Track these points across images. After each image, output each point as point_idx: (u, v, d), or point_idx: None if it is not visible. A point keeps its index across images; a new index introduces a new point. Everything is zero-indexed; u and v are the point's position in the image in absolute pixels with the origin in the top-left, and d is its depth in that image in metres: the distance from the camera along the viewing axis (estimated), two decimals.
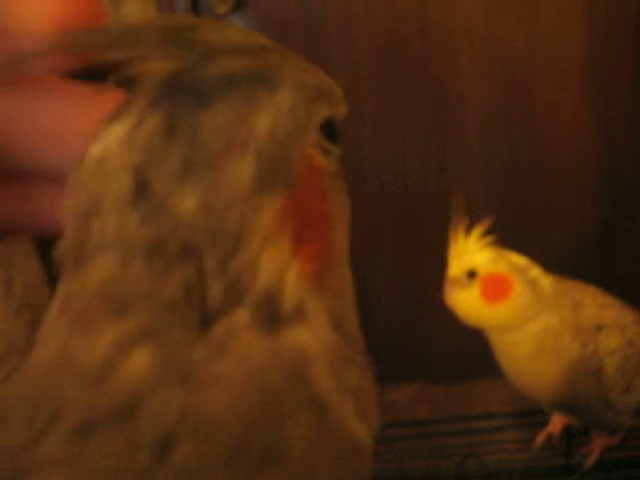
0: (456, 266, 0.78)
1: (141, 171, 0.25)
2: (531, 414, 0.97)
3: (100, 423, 0.23)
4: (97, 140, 0.26)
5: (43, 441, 0.23)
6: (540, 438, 0.95)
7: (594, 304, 0.80)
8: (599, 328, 0.79)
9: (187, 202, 0.24)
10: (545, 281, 0.78)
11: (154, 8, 1.45)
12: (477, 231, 0.78)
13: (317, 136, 0.27)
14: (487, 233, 0.78)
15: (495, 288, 0.77)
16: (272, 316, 0.24)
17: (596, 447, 0.93)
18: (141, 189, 0.24)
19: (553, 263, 0.82)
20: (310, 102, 0.26)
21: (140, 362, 0.24)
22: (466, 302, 0.79)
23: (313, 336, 0.25)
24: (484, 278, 0.77)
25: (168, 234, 0.24)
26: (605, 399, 0.82)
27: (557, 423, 0.95)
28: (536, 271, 0.78)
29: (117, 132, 0.26)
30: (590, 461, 0.92)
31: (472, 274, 0.78)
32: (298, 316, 0.25)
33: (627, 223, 1.46)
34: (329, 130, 0.27)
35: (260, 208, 0.24)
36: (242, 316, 0.24)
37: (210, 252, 0.24)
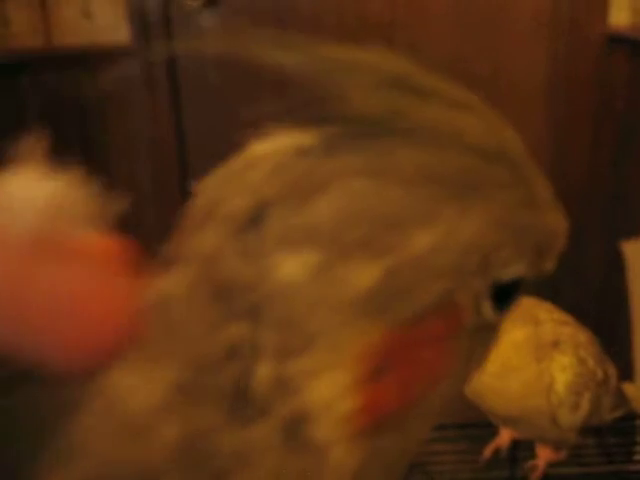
0: None
1: (267, 204, 0.22)
2: (479, 426, 0.98)
3: None
4: (266, 139, 0.24)
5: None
6: (488, 450, 0.96)
7: (551, 320, 0.81)
8: (555, 344, 0.80)
9: (290, 269, 0.21)
10: None
11: (125, 3, 1.44)
12: None
13: (482, 291, 0.23)
14: None
15: None
16: (298, 437, 0.22)
17: (541, 462, 0.94)
18: (255, 221, 0.22)
19: None
20: (500, 251, 0.22)
21: (167, 434, 0.22)
22: None
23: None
24: None
25: (247, 286, 0.22)
26: (553, 416, 0.83)
27: (505, 436, 0.96)
28: None
29: (285, 146, 0.23)
30: (535, 476, 0.94)
31: None
32: (321, 451, 0.22)
33: (574, 251, 1.48)
34: (508, 288, 0.23)
35: (354, 328, 0.21)
36: (272, 428, 0.22)
37: (274, 332, 0.22)
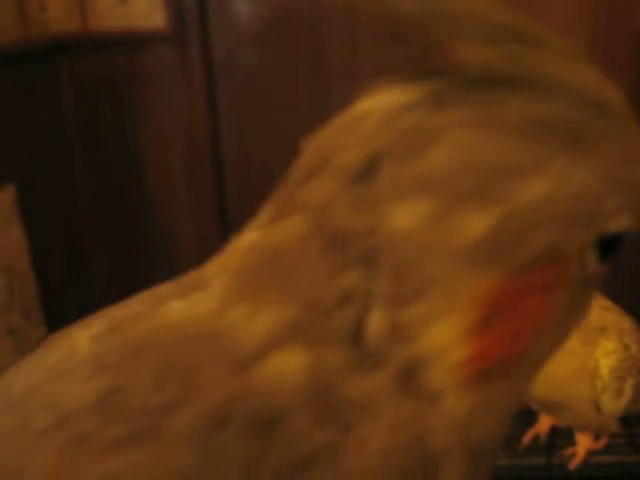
0: None
1: (379, 157, 0.22)
2: (518, 413, 0.98)
3: (234, 422, 0.21)
4: (373, 95, 0.24)
5: (169, 415, 0.22)
6: (527, 437, 0.95)
7: (597, 306, 0.81)
8: (602, 330, 0.80)
9: (403, 218, 0.22)
10: None
11: None
12: None
13: (588, 242, 0.23)
14: None
15: None
16: (413, 385, 0.22)
17: (581, 449, 0.93)
18: (368, 172, 0.22)
19: None
20: (606, 203, 0.23)
21: (289, 365, 0.22)
22: None
23: (438, 423, 0.22)
24: None
25: (361, 235, 0.22)
26: (596, 401, 0.83)
27: (544, 423, 0.95)
28: None
29: (393, 101, 0.23)
30: (574, 463, 0.93)
31: None
32: (435, 398, 0.22)
33: None
34: (611, 242, 0.24)
35: (467, 275, 0.22)
36: (389, 376, 0.22)
37: (388, 280, 0.22)
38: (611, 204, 0.23)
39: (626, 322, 0.84)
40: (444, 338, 0.22)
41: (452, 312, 0.22)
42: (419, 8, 0.22)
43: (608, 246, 0.24)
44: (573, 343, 0.79)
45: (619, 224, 0.23)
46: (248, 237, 0.25)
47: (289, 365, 0.22)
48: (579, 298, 0.25)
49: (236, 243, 0.25)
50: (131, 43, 1.49)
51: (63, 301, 1.54)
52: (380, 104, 0.24)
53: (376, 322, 0.22)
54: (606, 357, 0.81)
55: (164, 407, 0.22)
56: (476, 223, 0.21)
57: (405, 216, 0.22)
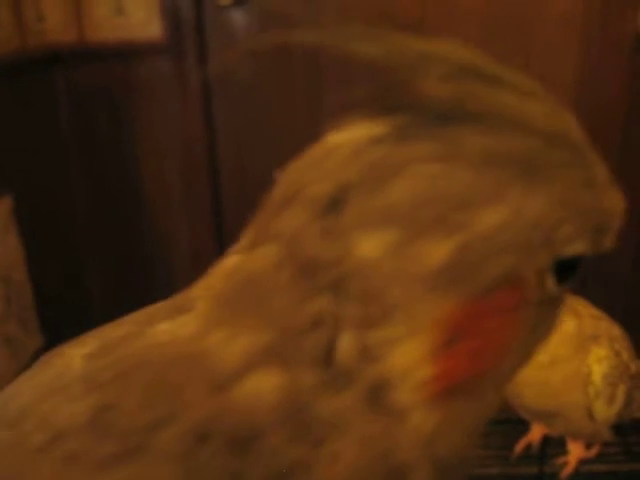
0: None
1: (346, 189, 0.24)
2: (510, 422, 0.98)
3: (213, 439, 0.23)
4: (342, 129, 0.26)
5: (156, 432, 0.23)
6: (519, 446, 0.95)
7: (588, 315, 0.81)
8: (594, 338, 0.80)
9: (369, 247, 0.23)
10: None
11: (158, 2, 1.45)
12: None
13: (545, 266, 0.24)
14: None
15: None
16: (380, 403, 0.23)
17: (572, 458, 0.93)
18: (336, 204, 0.24)
19: None
20: (562, 229, 0.24)
21: (265, 385, 0.23)
22: None
23: (405, 441, 0.24)
24: None
25: (329, 263, 0.23)
26: (589, 409, 0.83)
27: (537, 432, 0.95)
28: None
29: (361, 135, 0.25)
30: (566, 472, 0.93)
31: None
32: (401, 416, 0.23)
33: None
34: (570, 264, 0.25)
35: (429, 300, 0.23)
36: (358, 395, 0.23)
37: (356, 305, 0.23)
38: (567, 230, 0.24)
39: (616, 330, 0.85)
40: (409, 359, 0.23)
41: (416, 334, 0.23)
42: (383, 51, 0.24)
43: (567, 268, 0.25)
44: (565, 352, 0.79)
45: (575, 249, 0.24)
46: (230, 261, 0.26)
47: (264, 385, 0.23)
48: (542, 317, 0.26)
49: (219, 266, 0.27)
50: (128, 54, 1.50)
51: (59, 310, 1.54)
52: (348, 138, 0.25)
53: (345, 344, 0.23)
54: (598, 364, 0.81)
55: (151, 425, 0.23)
56: (436, 251, 0.23)
57: (370, 245, 0.23)
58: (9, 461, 0.24)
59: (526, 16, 1.43)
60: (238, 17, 1.49)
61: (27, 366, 0.28)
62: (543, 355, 0.79)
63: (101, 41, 1.49)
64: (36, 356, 0.29)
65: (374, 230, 0.23)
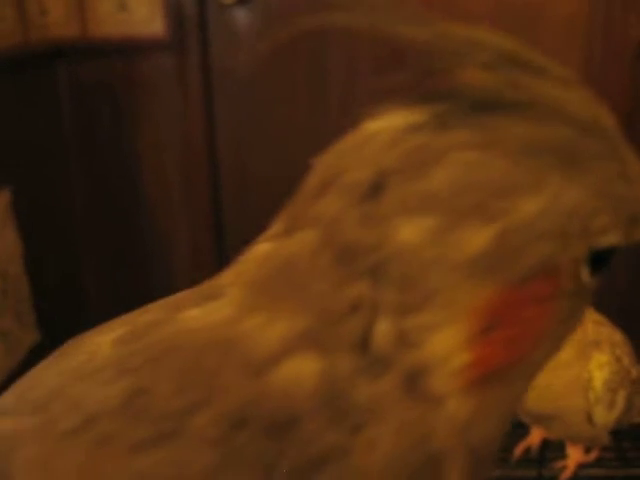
0: None
1: (386, 175, 0.24)
2: (510, 425, 0.98)
3: (250, 424, 0.22)
4: (380, 117, 0.26)
5: (191, 417, 0.23)
6: (519, 449, 0.95)
7: (591, 320, 0.81)
8: (596, 343, 0.80)
9: (409, 233, 0.23)
10: None
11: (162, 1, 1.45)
12: None
13: (580, 256, 0.24)
14: None
15: None
16: (417, 389, 0.23)
17: (571, 462, 0.93)
18: (375, 190, 0.24)
19: None
20: (598, 219, 0.24)
21: (302, 370, 0.23)
22: None
23: (442, 425, 0.23)
24: None
25: (369, 248, 0.23)
26: (589, 414, 0.83)
27: (536, 435, 0.95)
28: None
29: (398, 123, 0.25)
30: (565, 476, 0.93)
31: None
32: (438, 402, 0.23)
33: None
34: (603, 256, 0.25)
35: (467, 286, 0.23)
36: (395, 381, 0.23)
37: (394, 291, 0.23)
38: (602, 220, 0.24)
39: (618, 335, 0.85)
40: (446, 345, 0.23)
41: (454, 321, 0.23)
42: (421, 33, 0.24)
43: (599, 260, 0.25)
44: (567, 356, 0.79)
45: (609, 240, 0.25)
46: (261, 248, 0.26)
47: (302, 371, 0.23)
48: (573, 309, 0.26)
49: (250, 253, 0.26)
50: (130, 50, 1.50)
51: (55, 305, 1.54)
52: (386, 126, 0.25)
53: (383, 330, 0.23)
54: (599, 369, 0.81)
55: (185, 409, 0.23)
56: (475, 238, 0.23)
57: (410, 231, 0.23)
58: (38, 446, 0.23)
59: (529, 21, 1.43)
60: (241, 15, 1.49)
61: (22, 361, 0.28)
62: None
63: (104, 36, 1.49)
64: (31, 351, 0.28)
65: (414, 216, 0.23)
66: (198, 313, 0.25)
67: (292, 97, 1.51)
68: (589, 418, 0.83)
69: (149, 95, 1.53)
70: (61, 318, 1.49)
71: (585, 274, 0.25)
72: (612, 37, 1.40)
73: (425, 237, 0.23)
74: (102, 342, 0.26)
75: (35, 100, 1.47)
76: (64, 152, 1.57)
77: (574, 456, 0.93)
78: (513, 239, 0.23)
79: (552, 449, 0.97)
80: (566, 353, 0.79)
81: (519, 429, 0.97)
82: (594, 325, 0.82)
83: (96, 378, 0.24)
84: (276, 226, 0.26)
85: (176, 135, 1.55)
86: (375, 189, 0.24)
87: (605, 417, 0.84)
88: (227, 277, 0.27)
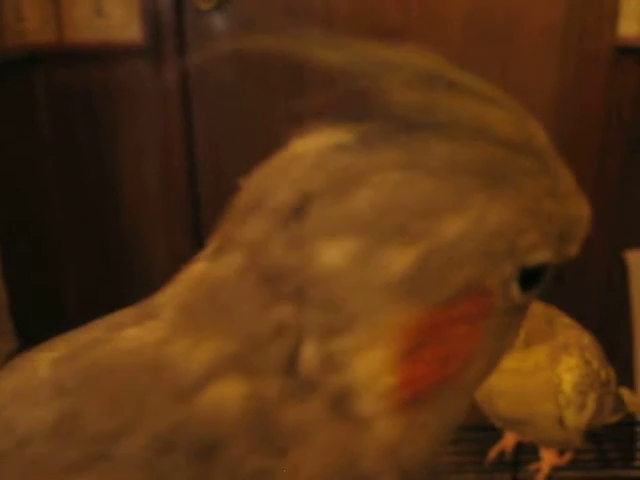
0: None
1: (309, 197, 0.24)
2: (484, 429, 0.98)
3: (177, 448, 0.22)
4: (307, 137, 0.26)
5: (120, 440, 0.23)
6: (492, 453, 0.96)
7: (560, 324, 0.82)
8: (565, 347, 0.81)
9: (331, 255, 0.23)
10: None
11: (138, 1, 1.45)
12: None
13: (509, 275, 0.24)
14: None
15: None
16: (344, 412, 0.23)
17: (545, 465, 0.94)
18: (299, 212, 0.24)
19: None
20: (525, 237, 0.24)
21: (228, 394, 0.23)
22: None
23: (370, 445, 0.23)
24: None
25: (292, 271, 0.23)
26: (560, 417, 0.83)
27: (510, 439, 0.96)
28: None
29: (324, 142, 0.25)
30: (538, 479, 0.94)
31: None
32: (365, 425, 0.23)
33: (578, 259, 1.49)
34: (535, 272, 0.25)
35: (391, 308, 0.23)
36: (322, 404, 0.23)
37: (318, 314, 0.23)
38: (531, 238, 0.24)
39: (587, 338, 0.86)
40: (371, 367, 0.23)
41: (378, 343, 0.23)
42: (344, 58, 0.24)
43: (532, 277, 0.25)
44: (538, 361, 0.80)
45: (539, 257, 0.24)
46: (196, 268, 0.26)
47: (228, 394, 0.23)
48: (507, 325, 0.26)
49: (186, 273, 0.26)
50: (107, 55, 1.49)
51: (34, 312, 1.53)
52: (312, 145, 0.25)
53: (309, 353, 0.23)
54: (569, 373, 0.82)
55: (115, 433, 0.23)
56: (398, 260, 0.23)
57: (332, 253, 0.23)
58: None
59: (507, 27, 1.44)
60: (218, 22, 1.49)
61: (0, 368, 0.28)
62: (517, 363, 0.79)
63: (80, 42, 1.48)
64: (9, 359, 0.28)
65: (336, 238, 0.23)
66: (134, 333, 0.25)
67: (270, 102, 1.52)
68: (560, 421, 0.84)
69: (127, 101, 1.53)
70: (39, 325, 1.48)
71: (516, 292, 0.25)
72: (588, 44, 1.41)
73: (347, 259, 0.23)
74: (42, 361, 0.26)
75: (12, 107, 1.46)
76: (41, 159, 1.56)
77: (547, 459, 0.93)
78: (437, 260, 0.23)
79: (527, 452, 0.97)
80: (537, 358, 0.79)
81: (493, 432, 0.97)
82: (563, 329, 0.83)
83: (32, 399, 0.25)
84: (210, 246, 0.26)
85: (154, 140, 1.54)
86: (299, 211, 0.24)
87: (576, 420, 0.84)
88: (164, 296, 0.27)
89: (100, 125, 1.55)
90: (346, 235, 0.23)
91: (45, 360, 0.26)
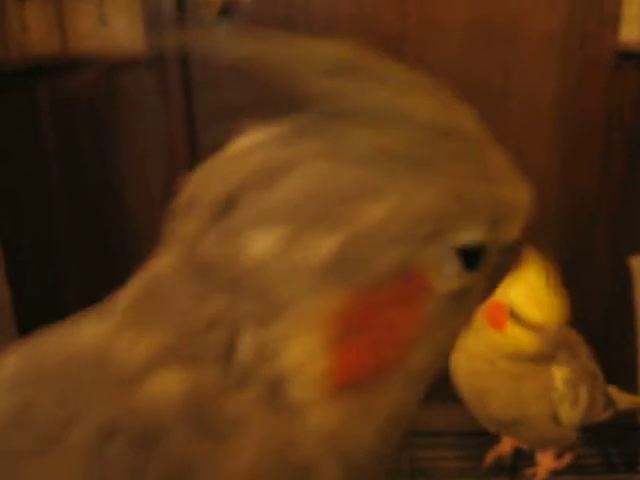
0: None
1: (237, 190, 0.25)
2: (481, 435, 0.97)
3: (119, 436, 0.23)
4: (246, 134, 0.27)
5: (70, 429, 0.24)
6: (489, 457, 0.95)
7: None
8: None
9: (260, 244, 0.24)
10: None
11: (141, 11, 1.46)
12: None
13: (441, 256, 0.24)
14: None
15: (498, 315, 0.76)
16: (279, 399, 0.24)
17: (541, 470, 0.93)
18: (228, 206, 0.25)
19: None
20: (454, 219, 0.24)
21: (168, 384, 0.24)
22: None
23: (300, 434, 0.24)
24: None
25: (224, 263, 0.24)
26: (554, 414, 0.83)
27: (507, 444, 0.95)
28: None
29: (259, 138, 0.26)
30: None
31: None
32: (300, 412, 0.24)
33: (582, 265, 1.49)
34: (474, 253, 0.25)
35: (318, 294, 0.23)
36: (258, 392, 0.24)
37: (252, 303, 0.24)
38: (459, 221, 0.24)
39: (573, 336, 0.87)
40: (301, 354, 0.23)
41: (307, 330, 0.23)
42: (252, 51, 0.25)
43: (472, 256, 0.25)
44: (527, 361, 0.80)
45: (471, 238, 0.25)
46: (149, 266, 0.28)
47: (167, 385, 0.24)
48: (453, 310, 0.26)
49: (143, 270, 0.28)
50: (111, 65, 1.50)
51: (37, 315, 1.54)
52: (247, 143, 0.26)
53: (245, 342, 0.24)
54: (559, 369, 0.82)
55: (64, 422, 0.24)
56: (322, 246, 0.23)
57: (260, 243, 0.24)
58: None
59: (507, 32, 1.44)
60: (222, 27, 1.50)
61: None
62: (510, 364, 0.79)
63: (84, 52, 1.50)
64: None
65: (264, 227, 0.24)
66: (91, 328, 0.27)
67: (272, 109, 1.52)
68: (555, 418, 0.84)
69: (131, 109, 1.54)
70: (43, 329, 1.48)
71: (452, 273, 0.25)
72: (589, 49, 1.41)
73: (274, 248, 0.24)
74: (11, 356, 0.28)
75: (16, 117, 1.48)
76: (46, 168, 1.58)
77: (544, 463, 0.93)
78: (361, 245, 0.23)
79: (525, 458, 0.97)
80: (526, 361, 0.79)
81: (491, 438, 0.96)
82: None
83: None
84: (162, 244, 0.28)
85: (158, 149, 1.55)
86: (228, 206, 0.24)
87: (570, 415, 0.84)
88: (122, 293, 0.28)
89: (104, 134, 1.56)
90: (273, 224, 0.24)
91: (13, 356, 0.28)
